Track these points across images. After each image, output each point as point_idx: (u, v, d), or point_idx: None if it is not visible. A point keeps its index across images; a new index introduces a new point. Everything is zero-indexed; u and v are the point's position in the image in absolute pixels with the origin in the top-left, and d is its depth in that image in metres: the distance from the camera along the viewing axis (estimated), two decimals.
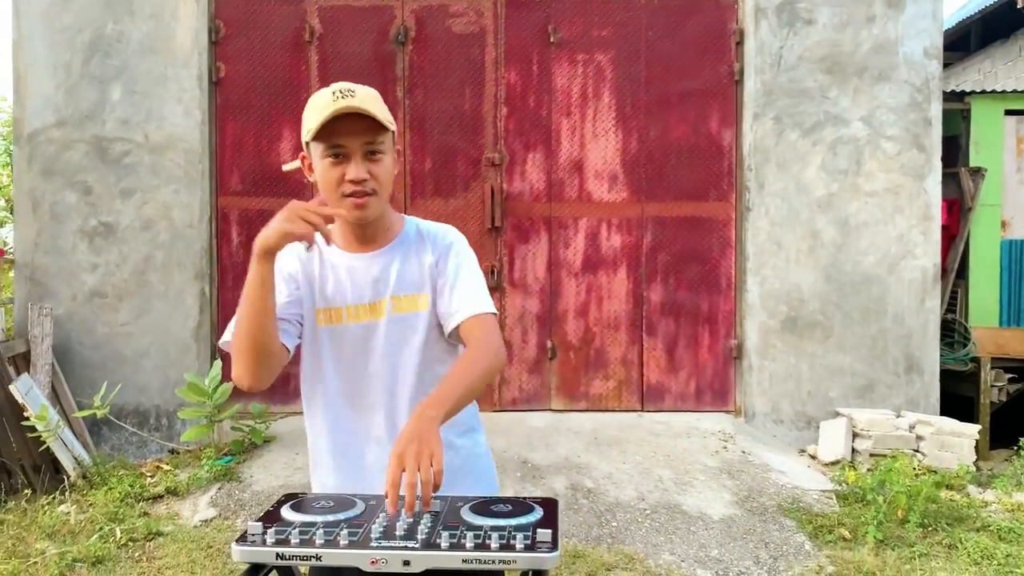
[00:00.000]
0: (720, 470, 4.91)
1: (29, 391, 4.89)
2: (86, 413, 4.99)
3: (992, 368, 6.79)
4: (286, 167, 2.18)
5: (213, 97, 5.65)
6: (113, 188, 5.56)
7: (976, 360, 6.78)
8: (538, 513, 1.59)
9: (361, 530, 1.49)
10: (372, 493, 1.71)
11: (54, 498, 4.59)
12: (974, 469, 5.16)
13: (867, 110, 5.63)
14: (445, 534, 1.46)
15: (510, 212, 5.71)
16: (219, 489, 4.58)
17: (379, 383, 1.89)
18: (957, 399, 6.45)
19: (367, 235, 1.89)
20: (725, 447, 5.24)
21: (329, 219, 1.72)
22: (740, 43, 5.69)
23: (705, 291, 5.76)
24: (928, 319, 5.67)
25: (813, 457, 5.45)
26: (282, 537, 1.46)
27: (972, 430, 5.34)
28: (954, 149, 6.89)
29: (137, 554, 3.95)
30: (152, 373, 5.57)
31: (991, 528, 4.34)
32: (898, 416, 5.51)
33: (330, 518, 1.55)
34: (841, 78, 5.62)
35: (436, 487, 1.48)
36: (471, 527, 1.51)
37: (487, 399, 5.71)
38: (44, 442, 4.74)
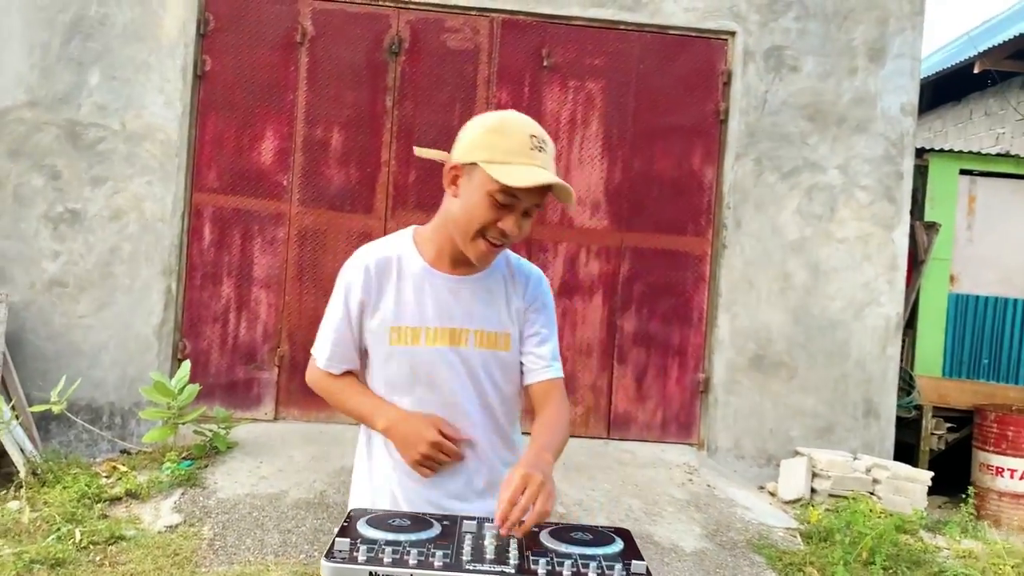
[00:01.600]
0: (688, 502, 4.95)
1: None
2: (42, 408, 4.76)
3: (933, 416, 7.02)
4: (421, 152, 1.99)
5: (196, 90, 5.51)
6: (83, 175, 5.36)
7: (919, 408, 7.00)
8: (620, 544, 1.57)
9: (451, 552, 1.45)
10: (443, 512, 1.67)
11: (5, 494, 4.36)
12: (927, 515, 5.31)
13: (844, 159, 5.80)
14: (542, 560, 1.42)
15: None
16: (182, 494, 4.41)
17: (449, 411, 1.83)
18: (898, 444, 6.64)
19: (463, 258, 1.80)
20: (691, 479, 5.29)
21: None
22: (727, 83, 5.81)
23: (677, 324, 5.82)
24: (888, 366, 5.85)
25: (772, 494, 5.54)
26: (373, 555, 1.40)
27: (925, 476, 5.50)
28: (911, 202, 7.15)
29: (99, 558, 3.77)
30: (109, 368, 5.36)
31: (947, 573, 4.47)
32: (855, 458, 5.64)
33: (414, 537, 1.50)
34: (821, 125, 5.78)
35: (542, 520, 1.49)
36: (561, 554, 1.48)
37: None
38: None
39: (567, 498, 4.81)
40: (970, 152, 7.47)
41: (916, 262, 7.34)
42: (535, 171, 1.66)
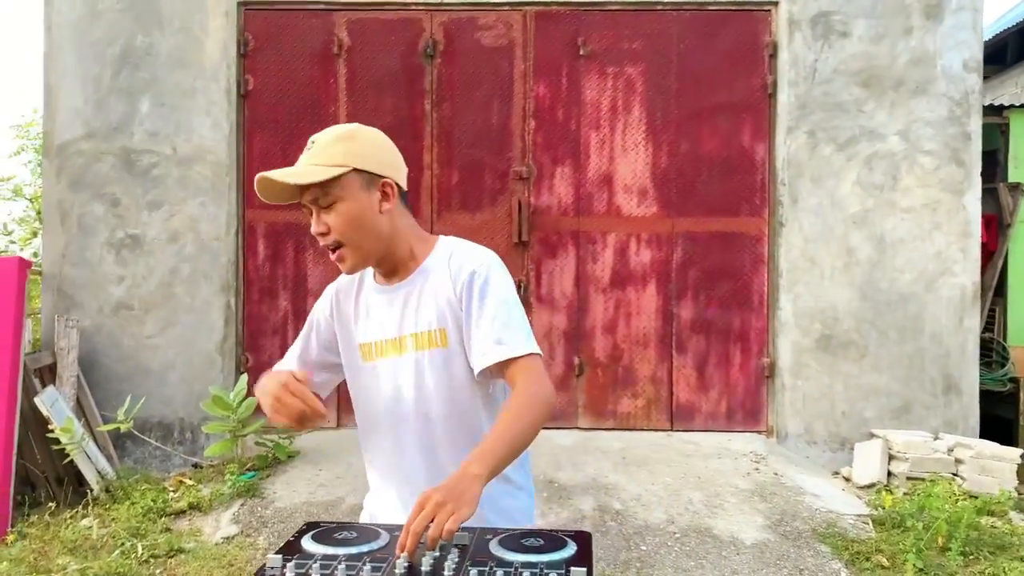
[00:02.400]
0: (752, 492, 4.78)
1: (54, 403, 4.88)
2: (110, 427, 4.96)
3: None
4: None
5: (241, 110, 5.64)
6: (140, 200, 5.56)
7: (1015, 380, 6.60)
8: (571, 548, 1.50)
9: (385, 565, 1.41)
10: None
11: (77, 512, 4.56)
12: (1016, 495, 4.99)
13: (904, 124, 5.50)
14: (473, 571, 1.37)
15: (537, 226, 5.63)
16: (241, 505, 4.52)
17: (413, 421, 1.82)
18: (994, 420, 6.27)
19: (386, 269, 1.85)
20: (757, 469, 5.11)
21: (314, 415, 1.66)
22: (773, 56, 5.59)
23: (736, 308, 5.64)
24: (967, 338, 5.52)
25: (847, 480, 5.30)
26: (302, 571, 1.38)
27: (1014, 454, 5.16)
28: (992, 164, 6.73)
29: (158, 571, 3.91)
30: (177, 386, 5.54)
31: None
32: (936, 438, 5.35)
33: (352, 551, 1.47)
34: (877, 91, 5.50)
35: (444, 538, 1.43)
36: (501, 563, 1.42)
37: None
38: (68, 455, 4.72)
39: (625, 493, 4.72)
40: None
41: (1002, 226, 6.93)
42: (260, 183, 1.79)
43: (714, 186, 5.64)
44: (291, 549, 1.50)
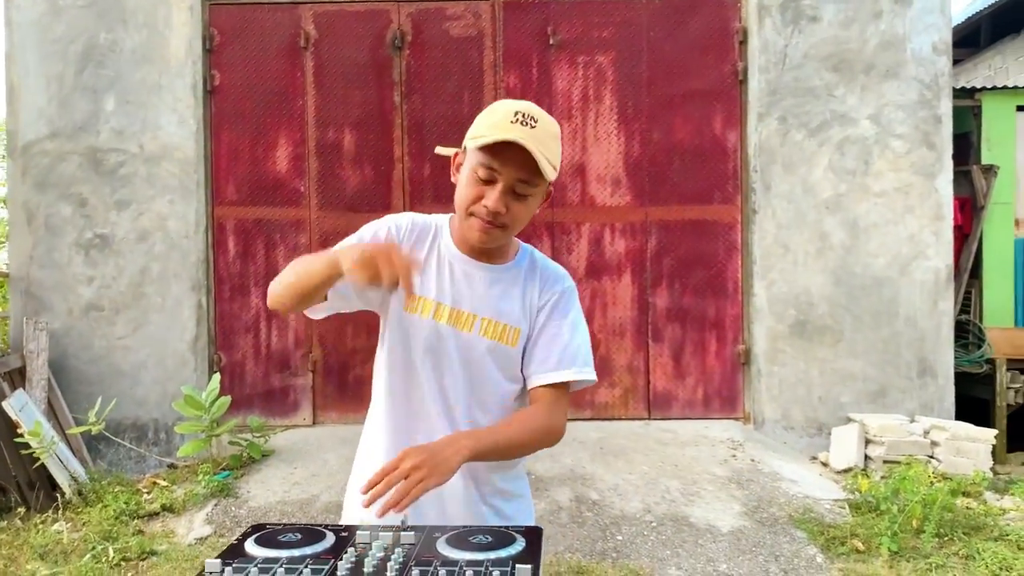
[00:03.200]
0: (729, 480, 4.78)
1: (24, 407, 4.82)
2: (81, 429, 4.91)
3: (1008, 369, 6.63)
4: (439, 150, 1.99)
5: (208, 106, 5.57)
6: (108, 199, 5.48)
7: (991, 362, 6.63)
8: (519, 545, 1.48)
9: (327, 568, 1.38)
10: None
11: (47, 516, 4.50)
12: (991, 475, 5.02)
13: (875, 108, 5.50)
14: (416, 571, 1.35)
15: None
16: (215, 505, 4.48)
17: (441, 396, 1.77)
18: (972, 401, 6.30)
19: (481, 250, 1.78)
20: (734, 455, 5.12)
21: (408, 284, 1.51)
22: (744, 42, 5.57)
23: (711, 296, 5.63)
24: (941, 321, 5.53)
25: (825, 464, 5.31)
26: None
27: (989, 435, 5.18)
28: (965, 147, 6.75)
29: (129, 574, 3.86)
30: (150, 387, 5.49)
31: (1010, 537, 4.19)
32: (912, 421, 5.37)
33: (295, 553, 1.44)
34: (848, 76, 5.49)
35: (406, 502, 1.46)
36: (445, 562, 1.39)
37: None
38: (38, 459, 4.66)
39: (602, 484, 4.71)
40: None
41: (976, 208, 6.95)
42: (506, 136, 1.60)
43: (687, 174, 5.62)
44: (233, 553, 1.46)
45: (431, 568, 1.37)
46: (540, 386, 1.76)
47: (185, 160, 5.49)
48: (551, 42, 5.57)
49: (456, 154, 1.77)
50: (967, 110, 6.74)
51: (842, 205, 5.51)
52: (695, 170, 5.61)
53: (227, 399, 4.93)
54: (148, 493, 4.78)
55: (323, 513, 4.34)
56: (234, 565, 1.37)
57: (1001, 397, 6.61)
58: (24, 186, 5.47)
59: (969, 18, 10.40)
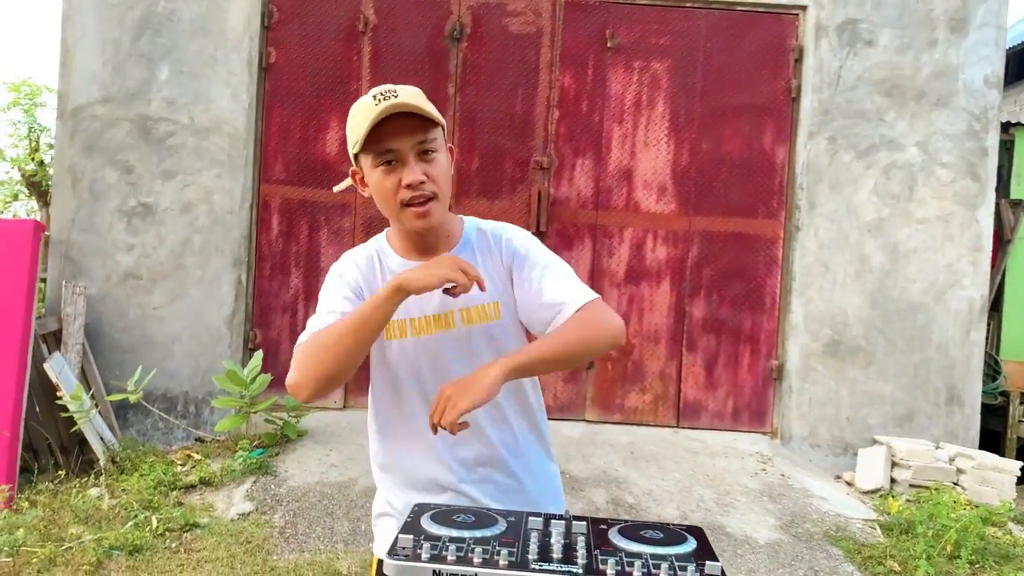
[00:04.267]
0: (761, 493, 4.82)
1: (62, 370, 4.80)
2: (119, 397, 4.88)
3: (1022, 403, 6.72)
4: (337, 188, 2.07)
5: (262, 82, 5.56)
6: (155, 169, 5.46)
7: (1005, 394, 6.71)
8: (692, 543, 1.50)
9: (516, 550, 1.40)
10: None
11: (85, 481, 4.49)
12: (1014, 506, 5.08)
13: (923, 135, 5.55)
14: (611, 560, 1.36)
15: (555, 217, 5.62)
16: (254, 483, 4.47)
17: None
18: (984, 432, 6.37)
19: (428, 242, 1.79)
20: (764, 469, 5.16)
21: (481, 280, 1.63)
22: (799, 60, 5.61)
23: (748, 309, 5.67)
24: (972, 351, 5.60)
25: (849, 484, 5.36)
26: (437, 552, 1.36)
27: (1014, 467, 5.25)
28: (996, 180, 6.83)
29: (174, 544, 3.85)
30: (183, 359, 5.46)
31: None
32: (937, 447, 5.43)
33: (479, 534, 1.45)
34: (899, 101, 5.54)
35: (449, 422, 1.53)
36: (631, 554, 1.41)
37: None
38: (74, 423, 4.64)
39: (636, 488, 4.74)
40: None
41: (1002, 242, 7.03)
42: (372, 116, 1.64)
43: (733, 186, 5.66)
44: (414, 529, 1.47)
45: (617, 556, 1.39)
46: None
47: (235, 135, 5.47)
48: (608, 45, 5.59)
49: (353, 173, 1.79)
50: (1000, 144, 6.81)
51: (884, 229, 5.56)
52: (741, 183, 5.65)
53: (267, 377, 4.92)
54: (183, 465, 4.76)
55: (362, 497, 4.34)
56: (430, 541, 1.39)
57: (1013, 430, 6.70)
58: (71, 149, 5.44)
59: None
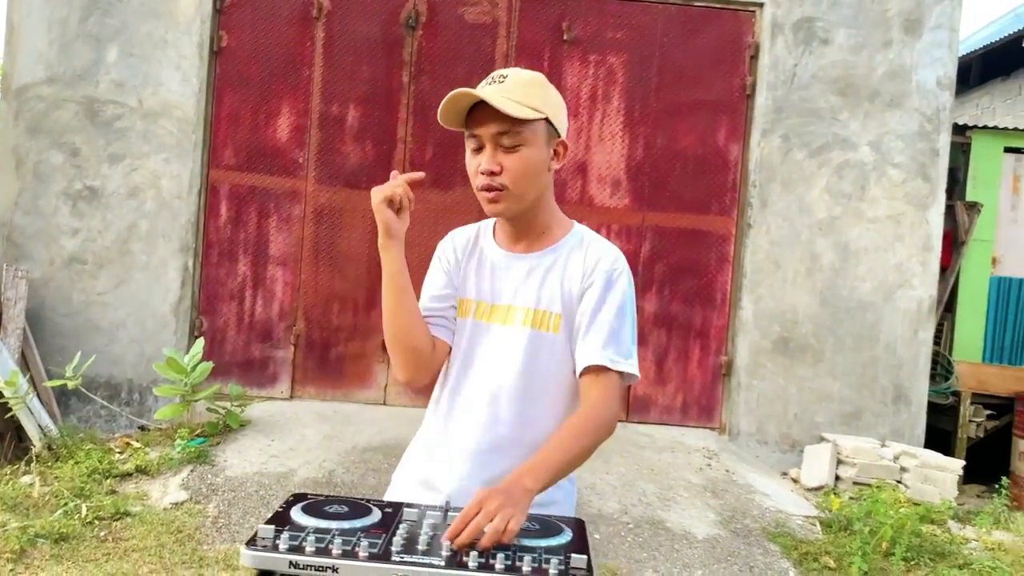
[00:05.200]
0: (704, 488, 4.83)
1: None
2: (57, 383, 4.80)
3: (972, 403, 6.79)
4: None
5: (213, 67, 5.48)
6: (101, 152, 5.37)
7: (957, 394, 6.77)
8: (568, 535, 1.48)
9: (381, 541, 1.37)
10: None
11: (17, 468, 4.41)
12: (955, 505, 5.13)
13: (876, 135, 5.58)
14: (473, 552, 1.34)
15: None
16: (191, 471, 4.41)
17: (488, 391, 1.75)
18: (934, 431, 6.44)
19: (518, 233, 1.79)
20: (709, 464, 5.17)
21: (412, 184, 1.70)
22: (755, 57, 5.62)
23: (699, 305, 5.68)
24: (920, 351, 5.64)
25: (795, 481, 5.39)
26: (296, 544, 1.33)
27: (956, 465, 5.30)
28: (951, 182, 6.88)
29: (103, 533, 3.79)
30: (127, 346, 5.39)
31: (973, 566, 4.29)
32: (883, 446, 5.47)
33: (346, 525, 1.43)
34: (853, 101, 5.56)
35: (499, 542, 1.37)
36: (499, 546, 1.39)
37: None
38: (9, 409, 4.56)
39: (580, 481, 4.70)
40: (1016, 129, 7.17)
41: (956, 243, 7.09)
42: (445, 101, 1.69)
43: (686, 182, 5.65)
44: (281, 520, 1.44)
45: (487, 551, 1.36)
46: (584, 371, 1.68)
47: (184, 119, 5.39)
48: (565, 38, 5.56)
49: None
50: (956, 146, 6.86)
51: (835, 227, 5.58)
52: (695, 179, 5.65)
53: (208, 365, 4.86)
54: (121, 453, 4.69)
55: (301, 488, 4.30)
56: (290, 532, 1.36)
57: (963, 429, 6.76)
58: (15, 130, 5.33)
59: (960, 57, 10.59)
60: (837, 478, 5.29)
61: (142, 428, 5.23)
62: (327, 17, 5.50)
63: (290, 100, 5.49)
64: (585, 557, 1.35)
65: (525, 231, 1.78)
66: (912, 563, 4.26)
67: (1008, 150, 7.07)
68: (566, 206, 5.52)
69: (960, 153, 7.01)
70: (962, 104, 10.85)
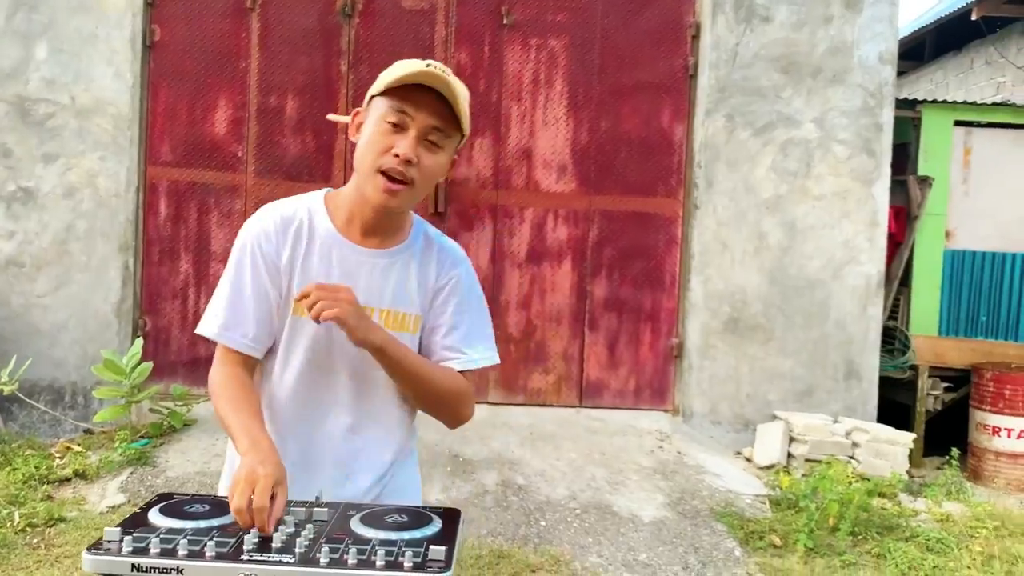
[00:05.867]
0: (654, 470, 4.82)
1: None
2: None
3: (929, 376, 6.83)
4: (332, 117, 2.04)
5: (146, 61, 5.37)
6: (35, 152, 5.25)
7: (914, 368, 6.80)
8: (436, 526, 1.44)
9: (233, 540, 1.32)
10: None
11: None
12: (907, 477, 5.15)
13: (819, 112, 5.57)
14: (326, 548, 1.30)
15: (455, 198, 5.53)
16: (131, 474, 4.34)
17: (342, 397, 1.70)
18: (894, 405, 6.46)
19: (375, 227, 1.68)
20: (661, 447, 5.16)
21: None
22: (696, 37, 5.59)
23: (649, 288, 5.66)
24: (869, 326, 5.65)
25: (749, 460, 5.39)
26: (141, 546, 1.28)
27: (907, 438, 5.32)
28: (903, 157, 6.90)
29: (36, 540, 3.72)
30: (70, 348, 5.29)
31: (920, 538, 4.31)
32: (835, 422, 5.48)
33: (201, 524, 1.38)
34: (796, 78, 5.55)
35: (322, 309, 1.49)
36: (358, 540, 1.35)
37: None
38: None
39: (529, 469, 4.70)
40: (965, 103, 7.20)
41: (910, 218, 7.11)
42: (420, 78, 1.56)
43: (632, 165, 5.62)
44: (135, 522, 1.39)
45: (341, 545, 1.32)
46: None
47: (119, 116, 5.28)
48: (504, 22, 5.50)
49: (356, 113, 1.68)
50: (907, 121, 6.88)
51: (781, 206, 5.57)
52: (641, 162, 5.62)
53: (148, 365, 4.78)
54: (61, 458, 4.61)
55: None
56: (135, 534, 1.31)
57: (921, 403, 6.79)
58: None
59: (914, 32, 10.64)
60: (790, 456, 5.30)
61: (87, 432, 5.14)
62: (262, 7, 5.41)
63: (227, 93, 5.40)
64: (444, 548, 1.31)
65: (386, 226, 1.69)
66: (859, 537, 4.28)
67: (958, 123, 7.09)
68: (512, 192, 5.52)
69: (911, 128, 7.03)
70: (918, 79, 10.91)
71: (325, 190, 1.75)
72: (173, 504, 1.46)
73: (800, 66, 5.55)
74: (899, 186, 6.67)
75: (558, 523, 4.15)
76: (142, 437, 4.77)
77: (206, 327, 1.69)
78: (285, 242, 1.65)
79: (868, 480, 4.91)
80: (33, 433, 5.07)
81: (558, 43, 5.56)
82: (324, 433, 1.70)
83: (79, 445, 4.81)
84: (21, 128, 5.24)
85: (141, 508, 1.45)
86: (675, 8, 5.59)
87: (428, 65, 1.57)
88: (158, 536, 1.31)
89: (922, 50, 10.67)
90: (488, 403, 5.61)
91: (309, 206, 1.70)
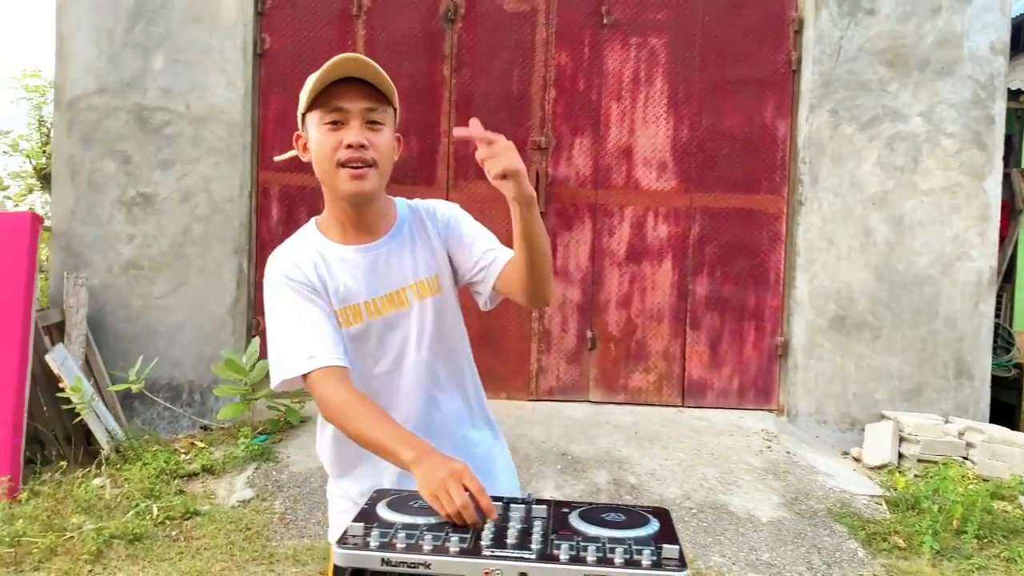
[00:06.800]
0: (765, 470, 4.78)
1: (64, 362, 4.82)
2: (121, 387, 4.91)
3: None
4: (278, 158, 2.13)
5: (257, 69, 5.53)
6: (152, 158, 5.46)
7: (1019, 366, 6.61)
8: (655, 525, 1.47)
9: (470, 536, 1.37)
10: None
11: (88, 471, 4.52)
12: None
13: (927, 105, 5.45)
14: (564, 545, 1.34)
15: (554, 198, 5.57)
16: (256, 469, 4.49)
17: (414, 376, 1.80)
18: (997, 405, 6.29)
19: (367, 222, 1.78)
20: (769, 447, 5.12)
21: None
22: (799, 31, 5.52)
23: (752, 286, 5.61)
24: (981, 323, 5.51)
25: (857, 460, 5.31)
26: (387, 540, 1.34)
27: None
28: (1007, 149, 6.70)
29: (174, 533, 3.87)
30: (186, 348, 5.48)
31: None
32: (946, 422, 5.36)
33: (433, 520, 1.43)
34: (902, 71, 5.44)
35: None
36: (588, 538, 1.39)
37: (523, 387, 5.61)
38: (77, 414, 4.67)
39: (639, 468, 4.71)
40: None
41: (1014, 212, 6.93)
42: (334, 69, 1.66)
43: (734, 162, 5.58)
44: (368, 517, 1.45)
45: (575, 541, 1.36)
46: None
47: (232, 123, 5.45)
48: (604, 21, 5.52)
49: (297, 137, 1.78)
50: (1011, 112, 6.68)
51: (888, 201, 5.47)
52: (743, 158, 5.58)
53: (265, 363, 4.91)
54: (186, 453, 4.79)
55: None
56: (377, 528, 1.37)
57: None
58: (69, 141, 5.44)
59: (1014, 19, 10.27)
60: (900, 456, 5.20)
61: (205, 428, 5.32)
62: (367, 14, 5.52)
63: None
64: (677, 547, 1.34)
65: (375, 218, 1.78)
66: (985, 540, 4.18)
67: None
68: (611, 191, 5.54)
69: (1015, 119, 6.83)
70: (1015, 68, 10.55)
71: (312, 220, 1.87)
72: (398, 500, 1.52)
73: (907, 59, 5.44)
74: (1003, 179, 6.49)
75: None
76: (261, 433, 4.92)
77: (292, 368, 1.67)
78: (306, 272, 1.74)
79: (986, 481, 4.80)
80: (154, 429, 5.27)
81: (658, 41, 5.55)
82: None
83: (201, 441, 4.98)
84: (140, 136, 5.45)
85: (367, 504, 1.51)
86: (777, 3, 5.53)
87: (332, 63, 1.66)
88: (400, 531, 1.36)
89: (1019, 38, 10.31)
90: (589, 401, 5.65)
91: (307, 237, 1.82)
